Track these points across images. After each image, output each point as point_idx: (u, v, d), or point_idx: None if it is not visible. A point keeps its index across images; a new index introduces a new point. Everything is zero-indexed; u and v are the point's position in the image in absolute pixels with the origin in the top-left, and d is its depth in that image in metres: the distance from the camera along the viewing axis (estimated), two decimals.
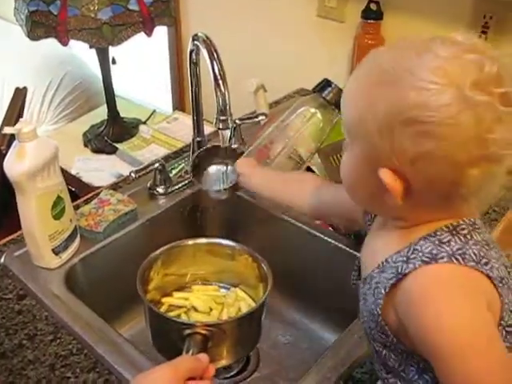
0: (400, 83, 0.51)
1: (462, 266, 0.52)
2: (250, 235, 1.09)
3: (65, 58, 2.20)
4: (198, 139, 1.15)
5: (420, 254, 0.54)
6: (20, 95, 1.62)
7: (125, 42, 1.57)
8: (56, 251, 0.92)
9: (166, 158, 1.23)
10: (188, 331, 0.72)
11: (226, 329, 0.76)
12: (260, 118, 1.24)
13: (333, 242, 1.01)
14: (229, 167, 1.03)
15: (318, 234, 1.02)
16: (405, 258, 0.55)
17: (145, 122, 1.93)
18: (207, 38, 0.94)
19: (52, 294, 0.88)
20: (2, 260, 0.95)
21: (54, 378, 0.76)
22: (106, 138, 1.81)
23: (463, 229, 0.56)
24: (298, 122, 1.06)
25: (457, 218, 0.56)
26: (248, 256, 0.87)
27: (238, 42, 1.76)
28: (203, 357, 0.66)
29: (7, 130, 0.84)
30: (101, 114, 1.93)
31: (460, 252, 0.53)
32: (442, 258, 0.53)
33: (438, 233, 0.55)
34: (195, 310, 0.87)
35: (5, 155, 0.85)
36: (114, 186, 1.14)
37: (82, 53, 2.12)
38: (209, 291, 0.91)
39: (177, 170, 1.19)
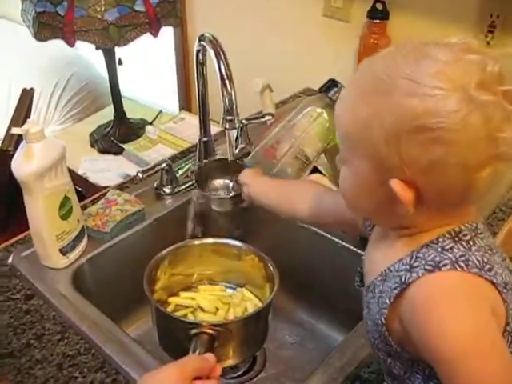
0: (401, 91, 0.50)
1: (465, 272, 0.52)
2: (257, 235, 1.09)
3: (71, 59, 2.20)
4: (205, 139, 1.15)
5: (423, 261, 0.54)
6: (27, 96, 1.63)
7: (131, 43, 1.57)
8: (63, 251, 0.92)
9: (173, 159, 1.23)
10: (194, 331, 0.72)
11: (232, 329, 0.76)
12: (266, 117, 1.24)
13: (340, 242, 1.01)
14: (232, 181, 1.04)
15: (324, 233, 1.02)
16: (408, 267, 0.55)
17: (151, 123, 1.94)
18: (214, 38, 0.95)
19: (59, 293, 0.88)
20: (10, 260, 0.95)
21: (62, 378, 0.76)
22: (112, 138, 1.82)
23: (465, 235, 0.55)
24: (305, 121, 1.06)
25: (463, 222, 0.56)
26: (254, 256, 0.87)
27: (244, 42, 1.76)
28: (210, 356, 0.66)
29: (15, 130, 0.85)
30: (107, 114, 1.93)
31: (463, 259, 0.53)
32: (445, 265, 0.52)
33: (441, 239, 0.55)
34: (202, 309, 0.87)
35: (12, 156, 0.86)
36: (121, 186, 1.14)
37: (89, 54, 2.13)
38: (215, 291, 0.91)
39: (183, 170, 1.19)
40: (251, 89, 1.27)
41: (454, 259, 0.53)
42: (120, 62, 1.78)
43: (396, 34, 1.42)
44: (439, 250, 0.54)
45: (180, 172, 1.18)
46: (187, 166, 1.20)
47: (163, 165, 1.09)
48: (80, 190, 1.34)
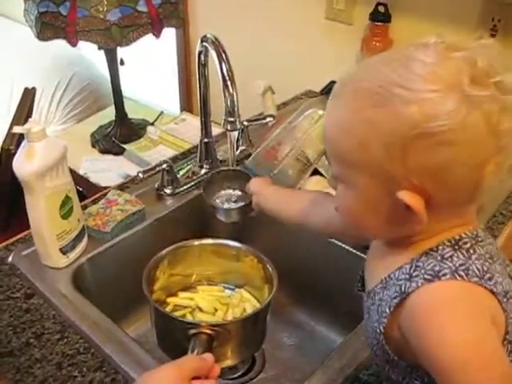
0: (395, 100, 0.48)
1: (465, 281, 0.51)
2: (256, 236, 1.09)
3: (73, 59, 2.21)
4: (206, 140, 1.15)
5: (422, 271, 0.53)
6: (29, 95, 1.63)
7: (133, 44, 1.58)
8: (64, 251, 0.92)
9: (174, 159, 1.24)
10: (193, 331, 0.72)
11: (230, 329, 0.76)
12: (268, 119, 1.25)
13: (340, 243, 1.00)
14: (239, 191, 1.02)
15: None
16: (407, 276, 0.54)
17: (152, 123, 1.94)
18: (216, 39, 0.95)
19: (59, 293, 0.88)
20: (10, 259, 0.95)
21: (61, 377, 0.76)
22: (113, 138, 1.82)
23: (466, 243, 0.54)
24: (306, 123, 1.07)
25: (469, 225, 0.55)
26: (253, 257, 0.87)
27: (246, 44, 1.76)
28: (208, 356, 0.66)
29: (16, 129, 0.85)
30: (109, 114, 1.94)
31: (463, 268, 0.52)
32: (445, 274, 0.52)
33: (440, 247, 0.54)
34: (200, 310, 0.87)
35: (14, 155, 0.86)
36: (122, 187, 1.15)
37: (91, 54, 2.13)
38: (214, 292, 0.91)
39: (184, 170, 1.20)
40: (253, 90, 1.27)
41: (453, 268, 0.52)
42: (122, 63, 1.78)
43: (398, 36, 1.42)
44: (439, 258, 0.53)
45: (181, 173, 1.18)
46: (188, 167, 1.21)
47: (164, 165, 1.09)
48: (81, 189, 1.35)
